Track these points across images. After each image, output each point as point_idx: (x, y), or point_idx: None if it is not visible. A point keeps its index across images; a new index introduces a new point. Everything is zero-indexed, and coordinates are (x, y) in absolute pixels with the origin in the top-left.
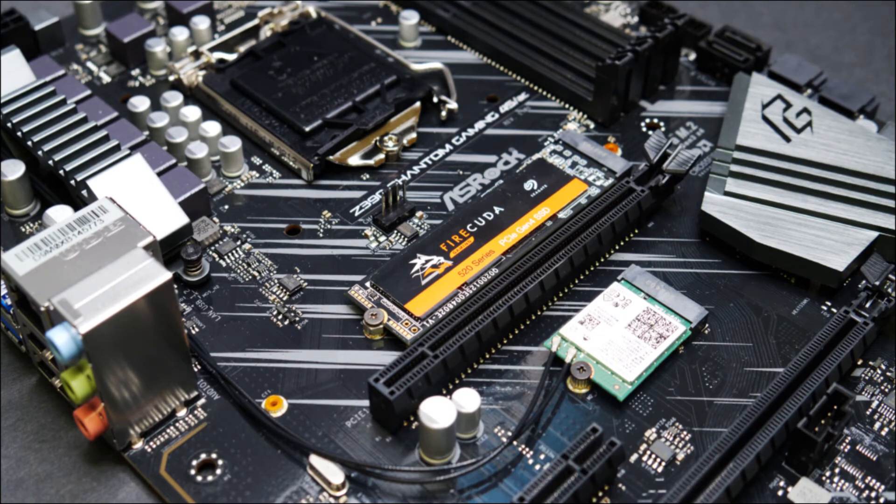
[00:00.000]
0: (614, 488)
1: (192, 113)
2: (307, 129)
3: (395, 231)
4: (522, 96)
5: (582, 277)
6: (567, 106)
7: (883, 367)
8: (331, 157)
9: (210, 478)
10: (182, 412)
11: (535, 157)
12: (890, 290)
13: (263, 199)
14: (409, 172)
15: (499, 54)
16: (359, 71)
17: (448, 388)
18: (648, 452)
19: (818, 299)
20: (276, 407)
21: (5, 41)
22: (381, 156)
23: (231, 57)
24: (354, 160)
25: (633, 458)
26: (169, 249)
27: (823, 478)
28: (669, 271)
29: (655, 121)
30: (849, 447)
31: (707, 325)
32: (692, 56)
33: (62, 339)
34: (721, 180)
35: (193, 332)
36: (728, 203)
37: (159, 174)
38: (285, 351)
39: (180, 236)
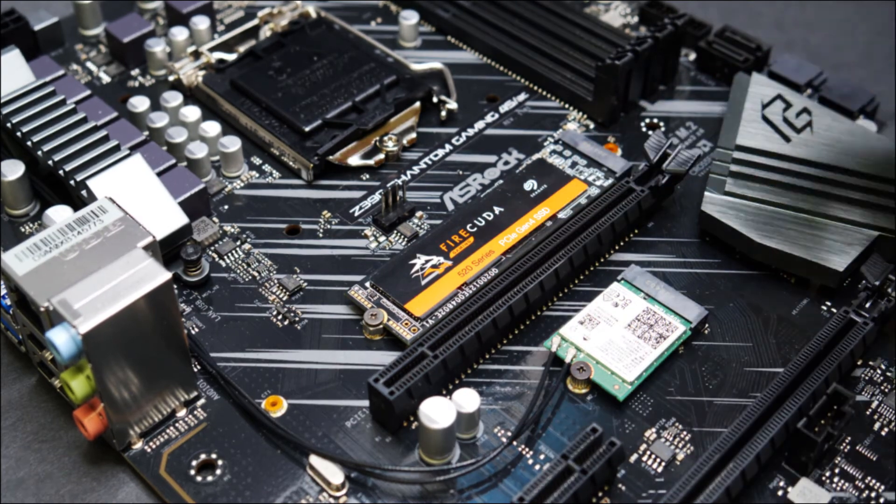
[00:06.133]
0: (614, 488)
1: (192, 113)
2: (307, 129)
3: (395, 231)
4: (522, 96)
5: (582, 277)
6: (567, 106)
7: (883, 367)
8: (331, 157)
9: (210, 478)
10: (182, 412)
11: (535, 157)
12: (890, 290)
13: (263, 199)
14: (408, 172)
15: (499, 54)
16: (359, 71)
17: (448, 388)
18: (648, 452)
19: (818, 299)
20: (276, 407)
21: (5, 41)
22: (381, 156)
23: (231, 57)
24: (354, 160)
25: (633, 458)
26: (169, 249)
27: (823, 478)
28: (669, 271)
29: (655, 121)
30: (849, 447)
31: (707, 325)
32: (692, 56)
33: (62, 339)
34: (721, 180)
35: (193, 332)
36: (728, 203)
37: (159, 174)
38: (285, 351)
39: (180, 236)
